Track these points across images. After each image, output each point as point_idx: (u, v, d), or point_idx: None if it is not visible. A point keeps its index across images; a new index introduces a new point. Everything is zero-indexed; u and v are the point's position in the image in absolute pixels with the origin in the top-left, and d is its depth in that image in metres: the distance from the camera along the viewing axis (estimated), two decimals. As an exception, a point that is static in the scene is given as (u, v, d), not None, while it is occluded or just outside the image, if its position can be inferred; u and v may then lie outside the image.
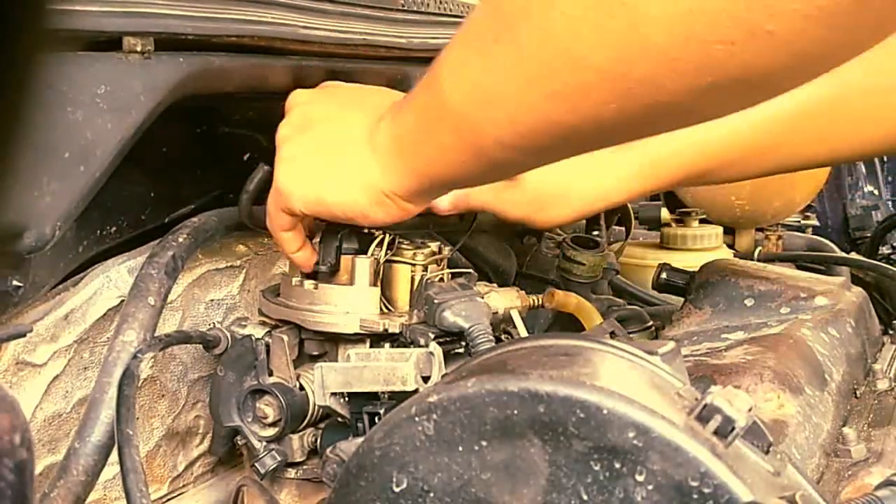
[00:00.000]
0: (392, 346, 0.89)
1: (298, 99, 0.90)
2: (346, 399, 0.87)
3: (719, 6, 0.51)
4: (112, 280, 0.91)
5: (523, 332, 0.98)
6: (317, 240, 0.95)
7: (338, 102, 0.87)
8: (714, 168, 1.03)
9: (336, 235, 0.93)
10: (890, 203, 2.31)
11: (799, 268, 1.59)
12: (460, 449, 0.60)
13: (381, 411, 0.84)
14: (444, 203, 0.97)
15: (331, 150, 0.83)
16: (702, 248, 1.73)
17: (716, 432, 0.57)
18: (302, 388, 0.93)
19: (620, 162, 1.01)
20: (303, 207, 0.85)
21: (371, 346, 0.91)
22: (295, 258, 0.93)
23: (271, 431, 0.92)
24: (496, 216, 1.03)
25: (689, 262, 1.38)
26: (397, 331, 0.89)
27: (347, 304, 0.91)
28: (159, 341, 0.85)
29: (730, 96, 0.57)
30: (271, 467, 0.92)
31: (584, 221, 1.48)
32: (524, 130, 0.64)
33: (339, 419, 0.89)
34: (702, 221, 1.78)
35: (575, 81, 0.58)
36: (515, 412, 0.58)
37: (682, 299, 1.16)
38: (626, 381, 0.62)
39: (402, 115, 0.77)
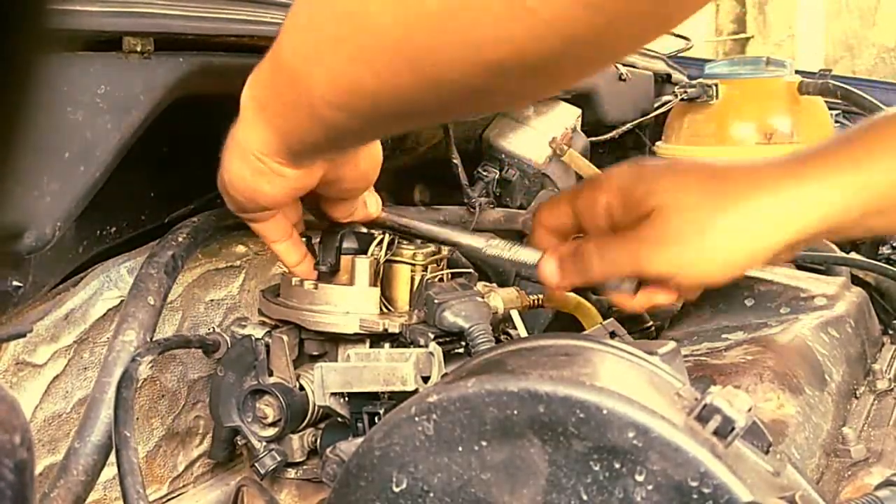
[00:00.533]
0: (392, 346, 0.89)
1: None
2: (346, 399, 0.87)
3: None
4: (112, 280, 0.91)
5: (523, 332, 0.98)
6: (317, 240, 0.95)
7: None
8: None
9: (336, 235, 0.93)
10: (890, 203, 2.31)
11: (799, 268, 1.59)
12: (460, 449, 0.60)
13: (381, 411, 0.84)
14: (553, 281, 0.84)
15: (230, 139, 0.80)
16: (702, 248, 1.72)
17: (715, 432, 0.57)
18: (302, 388, 0.93)
19: (821, 186, 0.76)
20: (229, 204, 0.84)
21: (371, 346, 0.91)
22: (297, 272, 0.91)
23: (271, 431, 0.92)
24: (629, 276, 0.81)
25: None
26: (397, 331, 0.89)
27: (347, 304, 0.91)
28: (158, 345, 0.85)
29: (514, 79, 0.56)
30: (271, 467, 0.92)
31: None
32: (341, 90, 0.63)
33: (339, 419, 0.89)
34: (702, 221, 1.78)
35: (367, 45, 0.58)
36: (515, 412, 0.58)
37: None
38: (625, 381, 0.62)
39: (258, 70, 0.74)
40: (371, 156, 0.86)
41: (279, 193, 0.79)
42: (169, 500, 1.00)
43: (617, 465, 0.56)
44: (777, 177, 0.76)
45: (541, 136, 1.52)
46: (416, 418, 0.61)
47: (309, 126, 0.70)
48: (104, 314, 0.90)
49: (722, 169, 0.78)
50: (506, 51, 0.53)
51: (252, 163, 0.77)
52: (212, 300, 1.02)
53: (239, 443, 0.95)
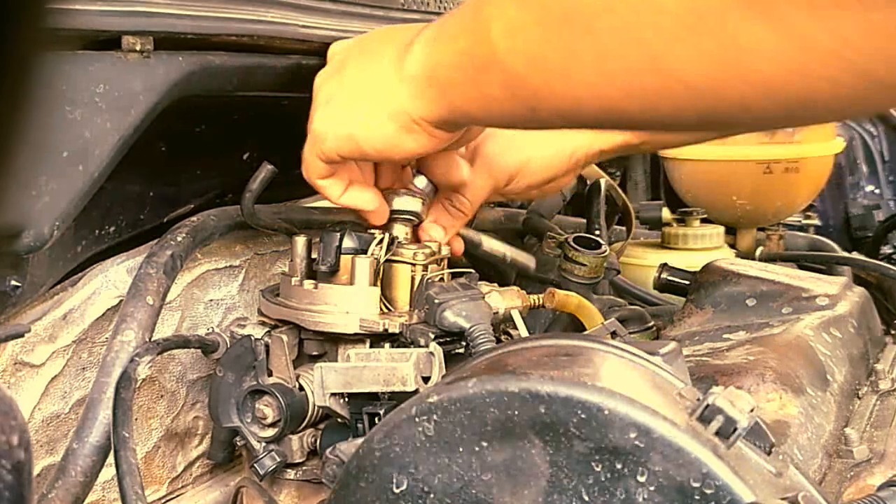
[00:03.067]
0: (392, 346, 0.89)
1: (335, 48, 0.90)
2: (346, 399, 0.87)
3: (831, 47, 0.50)
4: (111, 280, 0.91)
5: (524, 332, 0.98)
6: (317, 239, 0.95)
7: (371, 40, 0.86)
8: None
9: (336, 235, 0.92)
10: (891, 202, 2.31)
11: (801, 267, 1.59)
12: (461, 450, 0.60)
13: (381, 412, 0.84)
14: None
15: (360, 85, 0.82)
16: (703, 247, 1.73)
17: (718, 433, 0.56)
18: (301, 388, 0.92)
19: None
20: (336, 149, 0.84)
21: (371, 346, 0.90)
22: (343, 202, 0.91)
23: (271, 432, 0.92)
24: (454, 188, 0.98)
25: (690, 261, 1.37)
26: (397, 331, 0.89)
27: (347, 304, 0.91)
28: (157, 345, 0.85)
29: (809, 119, 0.59)
30: (271, 468, 0.91)
31: (584, 221, 1.48)
32: (587, 110, 0.65)
33: (339, 420, 0.89)
34: (703, 221, 1.78)
35: (658, 86, 0.58)
36: (516, 413, 0.58)
37: (683, 299, 1.15)
38: (627, 381, 0.62)
39: (438, 49, 0.76)
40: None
41: (421, 150, 0.83)
42: (168, 500, 1.00)
43: (619, 466, 0.56)
44: None
45: (541, 135, 1.51)
46: (417, 419, 0.61)
47: (510, 117, 0.73)
48: (103, 314, 0.90)
49: None
50: (834, 105, 0.54)
51: (406, 124, 0.79)
52: (211, 300, 1.02)
53: (238, 443, 0.95)
